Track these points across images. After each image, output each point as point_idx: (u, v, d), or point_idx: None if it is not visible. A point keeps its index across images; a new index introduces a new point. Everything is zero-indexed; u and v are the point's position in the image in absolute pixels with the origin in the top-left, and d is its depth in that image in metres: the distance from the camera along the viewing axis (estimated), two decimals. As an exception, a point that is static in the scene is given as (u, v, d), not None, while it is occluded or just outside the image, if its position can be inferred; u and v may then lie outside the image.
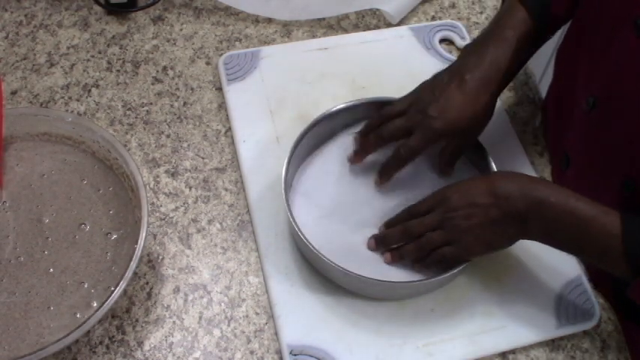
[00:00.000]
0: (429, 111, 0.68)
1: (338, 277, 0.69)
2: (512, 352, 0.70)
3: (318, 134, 0.77)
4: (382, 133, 0.72)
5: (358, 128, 0.78)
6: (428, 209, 0.69)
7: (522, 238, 0.65)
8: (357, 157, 0.76)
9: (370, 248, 0.72)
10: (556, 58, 0.83)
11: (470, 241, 0.66)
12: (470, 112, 0.68)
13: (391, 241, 0.71)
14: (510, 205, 0.62)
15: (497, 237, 0.65)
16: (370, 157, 0.76)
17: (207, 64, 0.87)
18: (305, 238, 0.68)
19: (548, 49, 0.91)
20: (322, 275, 0.71)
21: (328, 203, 0.75)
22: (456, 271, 0.67)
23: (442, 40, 0.91)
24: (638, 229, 0.58)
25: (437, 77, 0.71)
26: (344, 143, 0.79)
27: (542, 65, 1.04)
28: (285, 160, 0.71)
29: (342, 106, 0.76)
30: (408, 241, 0.70)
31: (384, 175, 0.74)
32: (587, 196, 0.66)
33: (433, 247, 0.68)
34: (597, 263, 0.63)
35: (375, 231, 0.73)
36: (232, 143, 0.81)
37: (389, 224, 0.72)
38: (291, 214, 0.69)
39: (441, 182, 0.77)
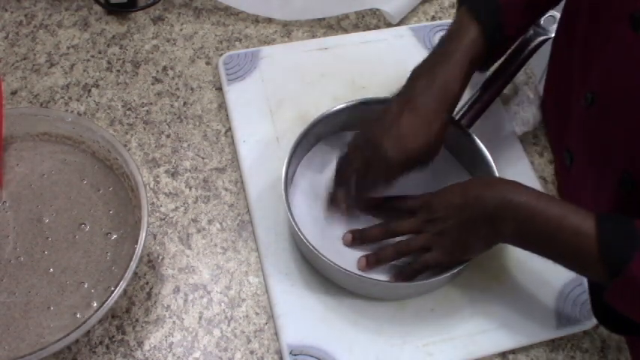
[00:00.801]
0: (383, 143, 0.66)
1: (338, 276, 0.69)
2: (512, 352, 0.70)
3: (318, 134, 0.77)
4: (340, 179, 0.72)
5: (358, 128, 0.78)
6: (410, 210, 0.70)
7: (497, 241, 0.65)
8: (331, 210, 0.74)
9: (346, 243, 0.72)
10: (550, 53, 0.83)
11: (447, 244, 0.66)
12: (423, 138, 0.66)
13: (370, 237, 0.71)
14: (480, 205, 0.63)
15: (472, 238, 0.65)
16: None
17: (207, 64, 0.87)
18: (305, 238, 0.68)
19: (548, 50, 0.91)
20: (322, 275, 0.71)
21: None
22: (455, 271, 0.67)
23: (442, 40, 0.91)
24: (614, 227, 0.57)
25: (386, 108, 0.69)
26: (344, 143, 0.79)
27: (542, 65, 1.04)
28: (285, 160, 0.71)
29: (341, 106, 0.76)
30: (387, 241, 0.70)
31: (356, 238, 0.72)
32: (590, 194, 0.66)
33: (412, 250, 0.68)
34: (573, 267, 0.62)
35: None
36: (232, 143, 0.81)
37: (367, 239, 0.72)
38: (291, 214, 0.69)
39: (438, 181, 0.77)
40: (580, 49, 0.72)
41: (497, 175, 0.72)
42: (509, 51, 0.78)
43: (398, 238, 0.70)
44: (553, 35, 0.81)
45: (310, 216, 0.73)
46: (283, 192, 0.70)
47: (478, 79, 0.82)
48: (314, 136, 0.77)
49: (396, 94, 0.70)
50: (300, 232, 0.68)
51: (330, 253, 0.67)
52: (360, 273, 0.67)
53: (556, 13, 0.82)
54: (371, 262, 0.70)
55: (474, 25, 0.68)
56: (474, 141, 0.75)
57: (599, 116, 0.67)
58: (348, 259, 0.69)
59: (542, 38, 0.81)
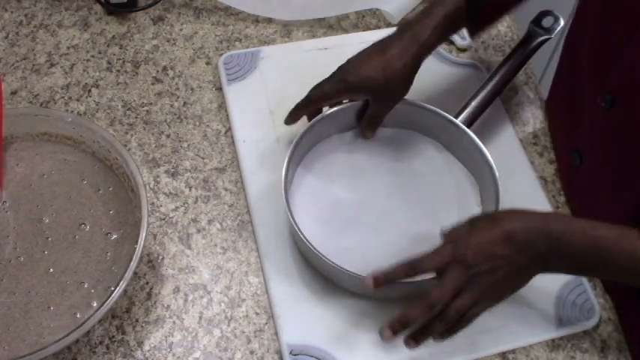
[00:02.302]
0: (347, 66, 0.73)
1: (338, 276, 0.69)
2: (512, 352, 0.70)
3: (317, 134, 0.77)
4: (310, 99, 0.76)
5: (357, 128, 0.78)
6: (436, 269, 0.63)
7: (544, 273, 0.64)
8: (292, 118, 0.77)
9: (387, 339, 0.62)
10: (562, 52, 0.83)
11: (497, 295, 0.63)
12: (383, 74, 0.71)
13: (414, 322, 0.62)
14: (532, 251, 0.60)
15: (522, 281, 0.63)
16: (367, 160, 0.77)
17: (207, 64, 0.87)
18: (305, 237, 0.68)
19: (548, 50, 0.91)
20: (322, 275, 0.71)
21: (328, 203, 0.75)
22: None
23: (442, 40, 0.91)
24: None
25: (363, 49, 0.75)
26: (343, 143, 0.79)
27: (542, 65, 1.04)
28: (285, 160, 0.71)
29: (341, 106, 0.76)
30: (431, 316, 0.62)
31: (292, 115, 0.76)
32: (607, 193, 0.65)
33: (462, 314, 0.62)
34: (622, 282, 0.64)
35: (374, 232, 0.73)
36: (232, 143, 0.81)
37: (388, 278, 0.63)
38: (291, 213, 0.69)
39: (438, 181, 0.77)
40: (594, 48, 0.72)
41: (497, 174, 0.72)
42: (510, 50, 0.79)
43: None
44: (553, 36, 0.81)
45: (310, 215, 0.73)
46: (283, 192, 0.70)
47: (478, 79, 0.82)
48: (314, 136, 0.77)
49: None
50: (300, 231, 0.68)
51: (329, 252, 0.67)
52: (359, 273, 0.67)
53: (557, 14, 0.82)
54: (419, 341, 0.63)
55: None
56: (473, 140, 0.75)
57: (620, 119, 0.67)
58: (348, 258, 0.69)
59: (542, 38, 0.81)
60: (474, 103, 0.78)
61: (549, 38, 0.81)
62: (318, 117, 0.75)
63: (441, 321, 0.61)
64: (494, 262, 0.60)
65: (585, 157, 0.75)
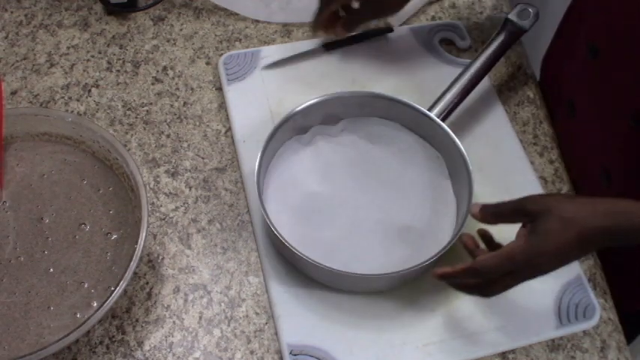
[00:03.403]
0: None
1: (309, 269, 0.69)
2: (512, 352, 0.70)
3: (292, 129, 0.76)
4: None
5: (332, 122, 0.78)
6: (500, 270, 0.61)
7: None
8: (314, 29, 0.83)
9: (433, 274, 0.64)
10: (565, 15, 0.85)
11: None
12: None
13: (457, 278, 0.64)
14: (597, 247, 0.60)
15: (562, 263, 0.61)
16: (341, 153, 0.78)
17: (207, 64, 0.87)
18: (278, 232, 0.67)
19: (545, 50, 0.91)
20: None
21: (302, 197, 0.75)
22: (431, 261, 0.66)
23: (442, 41, 0.91)
24: None
25: None
26: (317, 138, 0.79)
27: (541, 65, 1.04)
28: (259, 154, 0.71)
29: (314, 101, 0.76)
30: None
31: (314, 27, 0.81)
32: (598, 138, 0.66)
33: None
34: None
35: (350, 225, 0.73)
36: (232, 143, 0.81)
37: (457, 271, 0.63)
38: (266, 211, 0.69)
39: (411, 175, 0.77)
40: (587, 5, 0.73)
41: (470, 167, 0.71)
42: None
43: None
44: (528, 29, 0.81)
45: (284, 210, 0.73)
46: (257, 187, 0.69)
47: (452, 73, 0.82)
48: (288, 130, 0.76)
49: None
50: (273, 226, 0.67)
51: (305, 247, 0.67)
52: (333, 267, 0.66)
53: (534, 6, 0.81)
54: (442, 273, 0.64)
55: None
56: (448, 134, 0.74)
57: (604, 65, 0.68)
58: (324, 252, 0.69)
59: (516, 32, 0.81)
60: (448, 96, 0.77)
61: (525, 31, 0.81)
62: (291, 112, 0.74)
63: (479, 287, 0.63)
64: (561, 263, 0.59)
65: (576, 107, 0.76)
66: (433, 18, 0.94)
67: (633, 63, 0.66)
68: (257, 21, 0.92)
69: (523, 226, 0.60)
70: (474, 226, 0.66)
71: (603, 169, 0.76)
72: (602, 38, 0.72)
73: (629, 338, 0.72)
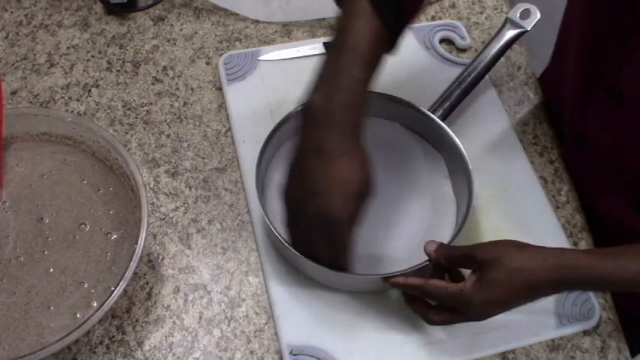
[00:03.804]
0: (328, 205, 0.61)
1: (309, 269, 0.69)
2: (512, 352, 0.70)
3: (292, 129, 0.76)
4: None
5: None
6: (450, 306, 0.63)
7: None
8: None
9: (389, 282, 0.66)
10: (557, 44, 0.83)
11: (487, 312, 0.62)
12: (360, 175, 0.62)
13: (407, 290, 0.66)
14: (542, 295, 0.60)
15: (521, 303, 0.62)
16: None
17: (207, 64, 0.87)
18: (279, 234, 0.67)
19: (547, 51, 0.91)
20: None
21: None
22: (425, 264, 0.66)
23: (442, 40, 0.91)
24: None
25: (299, 164, 0.63)
26: None
27: (542, 66, 1.04)
28: (259, 154, 0.71)
29: None
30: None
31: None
32: (610, 179, 0.65)
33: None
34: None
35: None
36: (232, 143, 0.81)
37: (402, 284, 0.65)
38: (265, 210, 0.68)
39: (411, 175, 0.77)
40: (604, 47, 0.71)
41: (470, 167, 0.71)
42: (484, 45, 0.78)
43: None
44: (529, 28, 0.81)
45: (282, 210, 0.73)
46: (255, 185, 0.69)
47: (452, 73, 0.82)
48: (290, 131, 0.76)
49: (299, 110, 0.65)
50: (271, 223, 0.67)
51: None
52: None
53: (533, 6, 0.81)
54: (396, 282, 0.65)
55: (378, 18, 0.61)
56: (448, 134, 0.75)
57: (627, 115, 0.67)
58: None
59: (518, 31, 0.81)
60: (448, 96, 0.78)
61: (526, 31, 0.81)
62: (291, 112, 0.74)
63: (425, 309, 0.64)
64: (507, 309, 0.60)
65: (592, 143, 0.75)
66: (433, 18, 0.94)
67: None
68: (257, 21, 0.92)
69: (473, 271, 0.60)
70: (474, 226, 0.67)
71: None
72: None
73: (629, 338, 0.72)
